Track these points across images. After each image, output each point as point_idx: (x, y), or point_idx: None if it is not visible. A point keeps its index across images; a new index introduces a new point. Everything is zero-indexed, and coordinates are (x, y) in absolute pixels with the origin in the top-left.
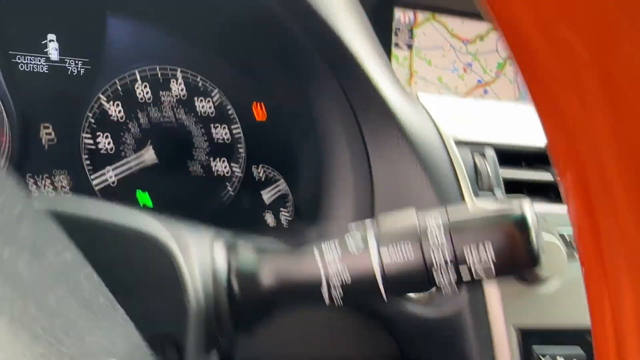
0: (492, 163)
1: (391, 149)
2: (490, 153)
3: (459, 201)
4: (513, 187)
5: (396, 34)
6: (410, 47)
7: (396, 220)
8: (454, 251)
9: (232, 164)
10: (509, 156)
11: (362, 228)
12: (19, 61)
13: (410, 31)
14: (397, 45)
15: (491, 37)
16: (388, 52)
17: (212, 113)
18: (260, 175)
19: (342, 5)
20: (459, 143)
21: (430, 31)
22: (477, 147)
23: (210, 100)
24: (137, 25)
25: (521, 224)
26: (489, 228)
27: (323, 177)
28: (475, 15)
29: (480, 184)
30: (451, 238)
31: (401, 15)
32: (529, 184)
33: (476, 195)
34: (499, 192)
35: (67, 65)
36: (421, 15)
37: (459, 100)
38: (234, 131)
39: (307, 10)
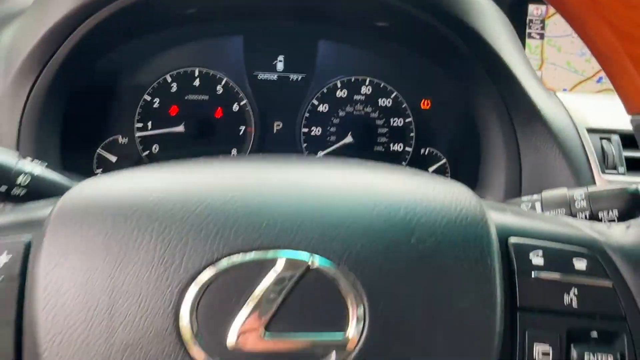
0: (616, 146)
1: (536, 136)
2: (615, 138)
3: (589, 177)
4: (633, 164)
5: (529, 26)
6: (542, 36)
7: (553, 193)
8: (592, 212)
9: (405, 145)
10: (630, 140)
11: (531, 200)
12: (257, 73)
13: (542, 22)
14: (530, 35)
15: None
16: (522, 42)
17: (390, 107)
18: (426, 154)
19: (497, 24)
20: (590, 130)
21: (561, 20)
22: (604, 134)
23: (389, 98)
24: (339, 47)
25: (635, 194)
26: (615, 196)
27: (481, 157)
28: None
29: (606, 164)
30: (590, 205)
31: (534, 9)
32: None
33: (603, 172)
34: (622, 169)
35: (290, 76)
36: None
37: (587, 96)
38: (407, 120)
39: (472, 33)
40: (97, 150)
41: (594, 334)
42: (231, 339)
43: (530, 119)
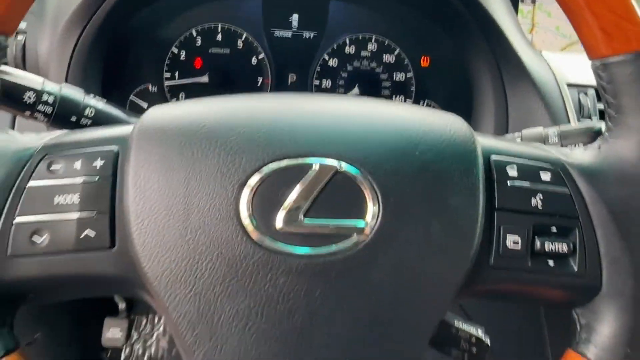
0: (592, 99)
1: (522, 90)
2: (591, 92)
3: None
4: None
5: None
6: (533, 1)
7: (531, 131)
8: (562, 146)
9: (406, 98)
10: None
11: (512, 136)
12: (274, 30)
13: None
14: (522, 1)
15: None
16: (515, 7)
17: (394, 63)
18: (424, 105)
19: None
20: (569, 85)
21: None
22: (582, 88)
23: (393, 54)
24: (348, 6)
25: (599, 132)
26: (581, 133)
27: (472, 108)
28: None
29: (582, 114)
30: (561, 140)
31: None
32: None
33: (579, 121)
34: (595, 119)
35: (303, 33)
36: None
37: (570, 55)
38: (408, 75)
39: None
40: (130, 97)
41: (554, 229)
42: (278, 223)
43: (517, 75)
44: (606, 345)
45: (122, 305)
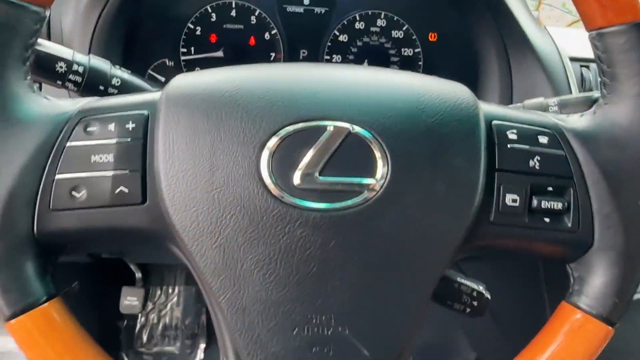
0: (593, 73)
1: (526, 63)
2: (593, 66)
3: None
4: None
5: None
6: None
7: (533, 101)
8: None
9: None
10: None
11: (515, 106)
12: (286, 6)
13: None
14: None
15: None
16: None
17: (402, 39)
18: None
19: None
20: (572, 59)
21: None
22: (584, 62)
23: (402, 30)
24: None
25: (595, 99)
26: (579, 102)
27: (478, 83)
28: None
29: (584, 88)
30: (559, 108)
31: None
32: None
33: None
34: (597, 92)
35: (314, 9)
36: None
37: (574, 30)
38: (416, 50)
39: None
40: (148, 71)
41: (550, 188)
42: (296, 180)
43: (522, 49)
44: (597, 296)
45: (138, 275)
